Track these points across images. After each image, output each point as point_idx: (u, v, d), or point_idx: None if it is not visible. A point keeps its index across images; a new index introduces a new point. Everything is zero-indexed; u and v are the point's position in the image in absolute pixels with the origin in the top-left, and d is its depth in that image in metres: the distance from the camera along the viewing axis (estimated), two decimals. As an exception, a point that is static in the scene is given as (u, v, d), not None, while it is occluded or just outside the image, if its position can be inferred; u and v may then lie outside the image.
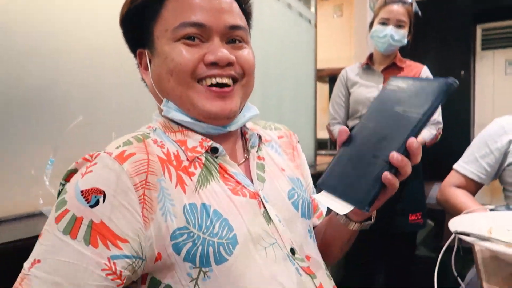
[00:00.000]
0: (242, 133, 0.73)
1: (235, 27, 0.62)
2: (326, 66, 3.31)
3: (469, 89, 3.61)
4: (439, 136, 1.79)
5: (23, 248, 0.75)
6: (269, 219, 0.63)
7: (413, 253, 1.90)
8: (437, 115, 1.79)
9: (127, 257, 0.51)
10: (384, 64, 1.79)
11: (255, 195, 0.63)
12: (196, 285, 0.55)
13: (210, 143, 0.62)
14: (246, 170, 0.68)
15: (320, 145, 3.03)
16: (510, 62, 3.67)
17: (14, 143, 0.90)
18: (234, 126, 0.66)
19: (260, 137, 0.72)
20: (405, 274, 1.81)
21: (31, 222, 0.90)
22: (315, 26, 2.56)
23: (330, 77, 3.59)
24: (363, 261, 1.84)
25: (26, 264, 0.52)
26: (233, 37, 0.63)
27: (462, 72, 3.57)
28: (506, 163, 1.19)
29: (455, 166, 1.30)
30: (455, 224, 0.68)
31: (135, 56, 0.69)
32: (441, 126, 1.80)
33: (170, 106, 0.63)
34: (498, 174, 1.23)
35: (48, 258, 0.50)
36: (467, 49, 3.62)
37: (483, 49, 3.82)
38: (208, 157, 0.62)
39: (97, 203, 0.51)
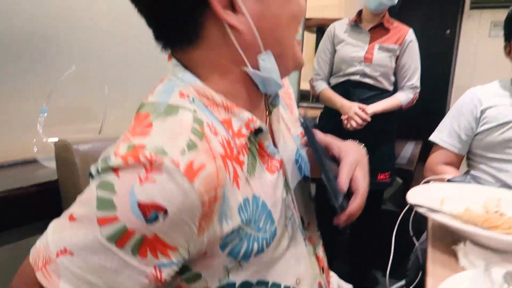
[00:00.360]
0: None
1: None
2: (314, 15, 3.26)
3: (452, 49, 3.65)
4: (415, 101, 1.85)
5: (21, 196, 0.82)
6: (288, 188, 0.60)
7: (379, 209, 2.04)
8: (415, 80, 1.84)
9: (173, 264, 0.46)
10: (372, 24, 1.79)
11: (280, 163, 0.59)
12: (227, 276, 0.52)
13: (257, 123, 0.53)
14: (268, 133, 0.59)
15: (303, 97, 3.06)
16: (495, 24, 3.69)
17: (6, 91, 0.92)
18: None
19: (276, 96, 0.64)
20: (369, 227, 1.96)
21: (27, 169, 0.95)
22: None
23: (318, 27, 3.55)
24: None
25: (52, 246, 0.45)
26: None
27: (448, 31, 3.59)
28: (477, 131, 1.26)
29: (437, 140, 1.35)
30: (411, 195, 0.78)
31: None
32: (418, 90, 1.86)
33: (270, 62, 0.52)
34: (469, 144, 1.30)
35: (84, 256, 0.44)
36: (456, 7, 3.60)
37: (471, 7, 3.81)
38: (251, 137, 0.55)
39: (156, 219, 0.42)
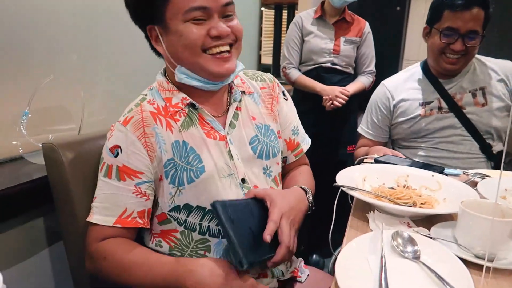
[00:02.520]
0: (230, 87, 0.94)
1: (227, 4, 0.81)
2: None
3: (402, 25, 3.88)
4: (373, 82, 2.14)
5: (19, 191, 0.95)
6: (231, 156, 0.88)
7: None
8: (373, 66, 2.15)
9: (145, 182, 0.83)
10: (335, 17, 2.04)
11: (223, 138, 0.88)
12: (173, 200, 0.85)
13: (188, 100, 0.86)
14: (224, 118, 0.91)
15: (264, 71, 3.23)
16: (441, 1, 3.95)
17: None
18: (230, 79, 0.89)
19: (243, 92, 0.95)
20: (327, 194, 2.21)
21: (14, 166, 1.08)
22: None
23: (276, 5, 3.67)
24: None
25: (93, 199, 0.84)
26: (227, 12, 0.82)
27: (398, 8, 3.80)
28: (392, 122, 1.48)
29: (360, 130, 1.57)
30: (340, 176, 0.98)
31: (144, 30, 0.86)
32: (375, 74, 2.16)
33: (183, 71, 0.84)
34: (389, 133, 1.52)
35: (99, 194, 0.83)
36: (405, -15, 3.80)
37: (420, -15, 4.04)
38: (191, 109, 0.87)
39: (118, 154, 0.81)
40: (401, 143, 1.49)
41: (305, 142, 1.10)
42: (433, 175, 1.04)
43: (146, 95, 0.88)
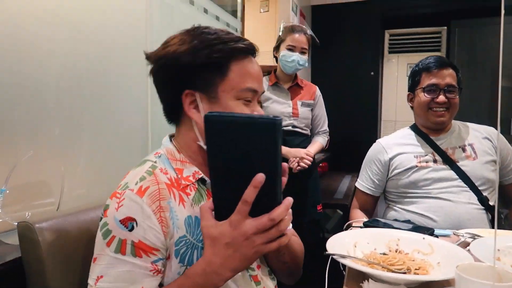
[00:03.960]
0: None
1: (263, 92, 0.86)
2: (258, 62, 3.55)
3: (377, 88, 4.08)
4: (328, 142, 2.27)
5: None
6: None
7: (322, 237, 2.28)
8: (326, 125, 2.25)
9: (161, 259, 0.74)
10: (289, 83, 2.17)
11: None
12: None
13: (201, 176, 0.82)
14: None
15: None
16: (411, 65, 4.21)
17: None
18: None
19: None
20: (314, 255, 2.17)
21: (-13, 248, 1.01)
22: (242, 33, 2.76)
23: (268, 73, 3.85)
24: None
25: (91, 281, 0.71)
26: (259, 99, 0.86)
27: (372, 73, 4.02)
28: (389, 176, 1.53)
29: (358, 185, 1.64)
30: (330, 243, 0.96)
31: (176, 93, 0.80)
32: (328, 132, 2.27)
33: None
34: (384, 186, 1.58)
35: (108, 273, 0.70)
36: (377, 52, 4.06)
37: (389, 52, 4.32)
38: (200, 184, 0.83)
39: (133, 228, 0.71)
40: (400, 194, 1.51)
41: None
42: (424, 238, 1.02)
43: (155, 162, 0.82)
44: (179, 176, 0.81)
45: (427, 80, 1.47)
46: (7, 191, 1.05)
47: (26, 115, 1.12)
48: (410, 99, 1.58)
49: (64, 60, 1.22)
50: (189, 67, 0.78)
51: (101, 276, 0.71)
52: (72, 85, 1.26)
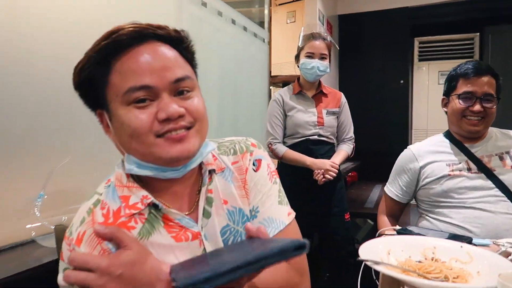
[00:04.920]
0: (200, 167, 0.76)
1: (178, 80, 0.66)
2: (279, 72, 3.56)
3: (407, 97, 4.00)
4: (354, 148, 2.22)
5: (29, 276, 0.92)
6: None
7: (354, 248, 2.21)
8: (352, 133, 2.21)
9: None
10: (313, 91, 2.14)
11: (197, 235, 0.71)
12: None
13: (150, 200, 0.68)
14: (196, 211, 0.73)
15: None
16: (442, 73, 4.11)
17: (6, 181, 1.04)
18: (193, 164, 0.71)
19: (211, 171, 0.76)
20: (347, 268, 2.12)
21: (26, 250, 1.05)
22: (269, 43, 2.79)
23: (283, 83, 3.86)
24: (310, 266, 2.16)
25: None
26: (180, 88, 0.67)
27: (402, 81, 3.95)
28: (419, 186, 1.48)
29: (386, 190, 1.60)
30: (363, 249, 0.93)
31: (96, 115, 0.72)
32: (353, 139, 2.22)
33: (132, 161, 0.68)
34: (413, 194, 1.53)
35: None
36: (406, 60, 3.99)
37: (419, 60, 4.23)
38: (152, 211, 0.69)
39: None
40: (432, 203, 1.46)
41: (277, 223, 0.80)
42: (461, 246, 0.97)
43: (101, 194, 0.71)
44: (123, 205, 0.69)
45: (463, 87, 1.40)
46: (45, 196, 1.09)
47: (62, 123, 1.16)
48: (445, 104, 1.52)
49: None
50: (80, 87, 0.69)
51: None
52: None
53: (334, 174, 1.99)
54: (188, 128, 0.67)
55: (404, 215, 1.71)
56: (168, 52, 0.68)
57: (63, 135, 1.17)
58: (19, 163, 1.06)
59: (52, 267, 0.94)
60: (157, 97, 0.65)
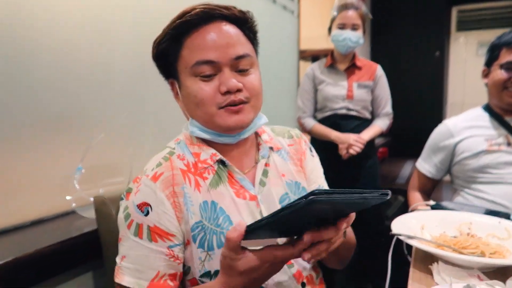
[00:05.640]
0: (257, 143, 0.88)
1: (239, 57, 0.75)
2: (308, 46, 3.48)
3: (443, 70, 3.83)
4: (391, 124, 2.14)
5: (70, 245, 0.97)
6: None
7: (383, 224, 2.19)
8: (389, 107, 2.10)
9: (177, 245, 0.74)
10: (346, 64, 2.07)
11: (254, 197, 0.81)
12: (203, 265, 0.76)
13: (218, 157, 0.80)
14: (253, 175, 0.84)
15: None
16: (482, 44, 3.89)
17: (45, 156, 1.08)
18: (247, 134, 0.81)
19: (271, 148, 0.88)
20: (377, 245, 2.11)
21: (66, 220, 1.10)
22: (298, 16, 2.72)
23: (313, 57, 3.77)
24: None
25: (118, 259, 0.75)
26: (240, 67, 0.76)
27: (437, 53, 3.78)
28: (454, 161, 1.43)
29: (418, 166, 1.56)
30: (396, 224, 0.92)
31: (168, 83, 0.84)
32: (392, 115, 2.12)
33: (195, 125, 0.80)
34: (448, 170, 1.48)
35: (129, 254, 0.74)
36: (442, 31, 3.80)
37: (457, 30, 4.02)
38: (220, 166, 0.81)
39: (148, 213, 0.73)
40: (467, 179, 1.42)
41: None
42: (499, 222, 0.95)
43: (174, 148, 0.82)
44: (196, 160, 0.80)
45: (506, 56, 1.33)
46: (83, 170, 1.13)
47: (97, 102, 1.19)
48: (485, 75, 1.44)
49: (129, 47, 1.28)
50: (157, 59, 0.81)
51: (124, 257, 0.74)
52: (137, 72, 1.32)
53: (358, 150, 1.93)
54: (245, 102, 0.77)
55: (437, 191, 1.66)
56: (231, 31, 0.76)
57: (98, 113, 1.20)
58: (59, 139, 1.10)
59: (92, 237, 0.99)
60: (219, 71, 0.75)
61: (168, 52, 0.78)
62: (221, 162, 0.81)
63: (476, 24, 3.93)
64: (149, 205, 0.73)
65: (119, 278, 0.74)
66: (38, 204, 1.06)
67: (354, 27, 1.97)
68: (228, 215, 0.77)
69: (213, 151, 0.81)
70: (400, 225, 0.92)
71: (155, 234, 0.73)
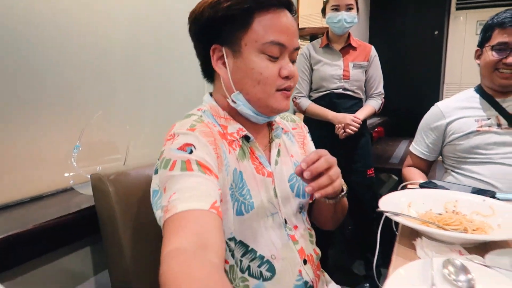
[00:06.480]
0: (269, 122, 0.93)
1: (297, 49, 0.82)
2: (307, 24, 3.46)
3: (441, 49, 3.82)
4: (383, 104, 2.17)
5: (68, 221, 1.00)
6: (276, 194, 0.86)
7: (376, 203, 2.24)
8: (381, 87, 2.14)
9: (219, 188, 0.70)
10: (341, 44, 2.09)
11: (271, 174, 0.86)
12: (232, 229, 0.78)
13: (244, 132, 0.83)
14: (267, 153, 0.89)
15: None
16: (481, 23, 3.86)
17: (43, 134, 1.10)
18: (276, 117, 0.91)
19: (282, 129, 0.94)
20: (370, 221, 2.17)
21: (65, 197, 1.13)
22: (297, -6, 2.69)
23: (311, 36, 3.74)
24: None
25: (164, 202, 0.65)
26: (294, 56, 0.82)
27: (436, 32, 3.75)
28: (445, 142, 1.46)
29: (411, 149, 1.60)
30: (384, 201, 0.95)
31: (205, 48, 0.82)
32: (383, 95, 2.16)
33: (240, 99, 0.80)
34: (439, 151, 1.51)
35: (180, 188, 0.64)
36: (442, 9, 3.77)
37: (457, 8, 3.98)
38: (244, 141, 0.84)
39: (191, 151, 0.69)
40: (458, 159, 1.45)
41: None
42: (484, 200, 0.98)
43: (201, 116, 0.81)
44: (225, 132, 0.82)
45: (498, 37, 1.33)
46: (81, 148, 1.15)
47: (95, 79, 1.20)
48: (478, 56, 1.45)
49: (128, 27, 1.28)
50: (211, 21, 0.77)
51: (174, 193, 0.64)
52: (136, 51, 1.32)
53: (355, 129, 1.98)
54: (290, 89, 0.82)
55: (430, 171, 1.70)
56: (294, 23, 0.80)
57: (96, 91, 1.21)
58: (57, 117, 1.11)
59: (89, 213, 1.02)
60: (282, 57, 0.79)
61: (234, 18, 0.76)
62: (245, 138, 0.84)
63: (477, 2, 3.89)
64: (192, 145, 0.70)
65: (172, 211, 0.61)
66: (37, 181, 1.08)
67: (348, 7, 1.97)
68: (249, 188, 0.81)
69: (239, 126, 0.84)
70: (388, 203, 0.95)
71: (205, 168, 0.68)
